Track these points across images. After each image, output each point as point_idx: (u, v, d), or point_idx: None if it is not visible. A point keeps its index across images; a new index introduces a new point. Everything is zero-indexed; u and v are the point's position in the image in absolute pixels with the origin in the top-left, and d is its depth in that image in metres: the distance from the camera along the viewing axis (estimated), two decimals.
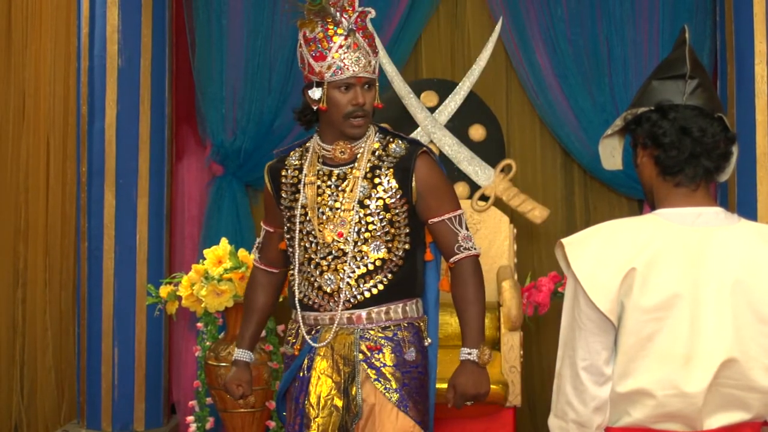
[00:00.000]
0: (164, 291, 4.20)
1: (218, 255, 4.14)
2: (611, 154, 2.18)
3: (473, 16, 5.03)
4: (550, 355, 4.57)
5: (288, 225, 2.92)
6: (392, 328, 2.87)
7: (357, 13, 2.84)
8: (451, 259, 2.90)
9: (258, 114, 4.78)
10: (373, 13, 2.88)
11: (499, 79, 5.01)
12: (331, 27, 2.81)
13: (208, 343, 4.22)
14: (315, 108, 2.85)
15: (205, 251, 4.20)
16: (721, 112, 1.99)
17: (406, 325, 2.89)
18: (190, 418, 4.29)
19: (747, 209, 4.19)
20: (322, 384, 2.84)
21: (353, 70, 2.79)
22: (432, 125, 4.71)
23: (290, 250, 2.92)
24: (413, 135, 4.56)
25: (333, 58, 2.79)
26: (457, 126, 4.76)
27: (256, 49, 4.78)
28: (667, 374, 1.88)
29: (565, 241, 1.98)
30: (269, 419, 4.25)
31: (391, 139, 2.91)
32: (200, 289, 4.05)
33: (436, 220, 2.89)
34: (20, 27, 5.08)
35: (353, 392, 2.82)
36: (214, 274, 4.07)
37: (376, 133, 2.92)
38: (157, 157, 4.54)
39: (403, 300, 2.89)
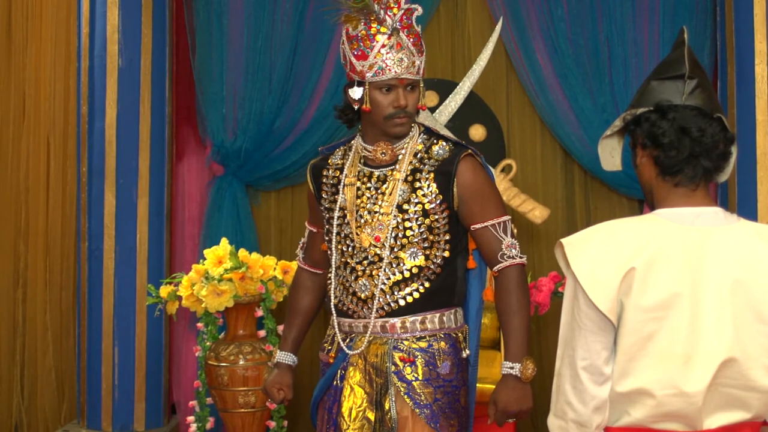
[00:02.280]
0: (164, 291, 4.21)
1: (218, 255, 4.14)
2: (610, 154, 2.19)
3: (473, 16, 5.03)
4: (551, 354, 4.57)
5: (327, 227, 2.84)
6: (428, 338, 2.75)
7: (402, 11, 2.73)
8: (495, 268, 2.78)
9: (258, 114, 4.78)
10: (420, 11, 2.78)
11: (500, 79, 5.01)
12: (374, 25, 2.72)
13: (208, 343, 4.22)
14: (356, 107, 2.76)
15: (206, 251, 4.20)
16: (720, 112, 1.99)
17: (442, 335, 2.76)
18: (191, 418, 4.29)
19: (747, 209, 4.19)
20: (354, 395, 2.73)
21: (395, 72, 2.70)
22: (432, 125, 4.70)
23: (329, 252, 2.84)
24: None
25: (375, 58, 2.70)
26: (458, 126, 4.76)
27: (256, 49, 4.78)
28: (666, 374, 1.88)
29: (564, 241, 1.98)
30: (269, 419, 4.25)
31: (435, 141, 2.80)
32: (200, 289, 4.06)
33: (479, 226, 2.77)
34: (20, 27, 5.08)
35: (387, 405, 2.71)
36: (214, 274, 4.08)
37: (420, 134, 2.82)
38: (158, 157, 4.54)
39: (440, 309, 2.77)
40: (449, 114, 4.76)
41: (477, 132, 4.80)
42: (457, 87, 4.78)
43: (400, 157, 2.78)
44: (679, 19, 4.63)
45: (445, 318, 2.78)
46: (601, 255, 1.93)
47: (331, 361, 2.81)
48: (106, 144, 4.46)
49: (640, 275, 1.88)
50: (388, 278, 2.73)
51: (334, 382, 2.79)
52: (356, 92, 2.73)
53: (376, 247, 2.73)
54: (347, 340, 2.78)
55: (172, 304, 4.21)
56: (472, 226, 2.78)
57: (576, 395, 1.93)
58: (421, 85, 2.78)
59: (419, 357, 2.73)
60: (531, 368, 2.76)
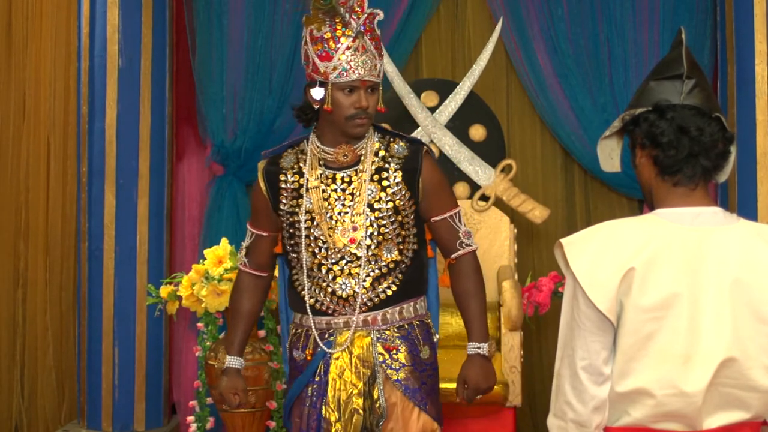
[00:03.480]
0: (164, 291, 4.21)
1: (218, 255, 4.14)
2: (609, 155, 2.19)
3: (474, 16, 5.03)
4: (551, 355, 4.57)
5: (290, 231, 2.87)
6: (406, 327, 2.88)
7: (366, 15, 2.81)
8: (453, 255, 2.93)
9: (258, 114, 4.78)
10: (381, 15, 2.86)
11: (500, 79, 5.01)
12: (339, 27, 2.78)
13: (208, 343, 4.22)
14: (316, 107, 2.82)
15: (206, 251, 4.20)
16: (719, 111, 1.99)
17: (417, 323, 2.90)
18: (191, 418, 4.29)
19: (747, 209, 4.19)
20: (340, 387, 2.83)
21: (359, 73, 2.76)
22: (432, 125, 4.71)
23: (293, 255, 2.88)
24: (413, 135, 4.56)
25: (339, 59, 2.75)
26: (458, 126, 4.76)
27: (256, 49, 4.78)
28: (666, 374, 1.88)
29: (564, 241, 1.98)
30: (269, 419, 4.25)
31: (392, 139, 2.90)
32: (200, 289, 4.06)
33: (438, 218, 2.91)
34: (20, 27, 5.08)
35: (375, 394, 2.82)
36: (214, 274, 4.08)
37: (374, 133, 2.90)
38: (158, 157, 4.55)
39: (413, 299, 2.91)
40: (449, 114, 4.76)
41: (477, 132, 4.79)
42: (457, 87, 4.78)
43: (362, 157, 2.85)
44: (679, 19, 4.63)
45: (418, 306, 2.92)
46: (600, 255, 1.93)
47: (309, 358, 2.87)
48: (106, 144, 4.46)
49: (640, 275, 1.88)
50: (368, 275, 2.82)
51: (317, 378, 2.85)
52: (318, 92, 2.79)
53: (350, 247, 2.80)
54: (326, 336, 2.85)
55: (172, 304, 4.21)
56: (432, 218, 2.92)
57: (575, 395, 1.93)
58: (380, 88, 2.85)
59: (402, 344, 2.86)
60: (493, 347, 2.93)
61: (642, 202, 4.78)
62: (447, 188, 2.97)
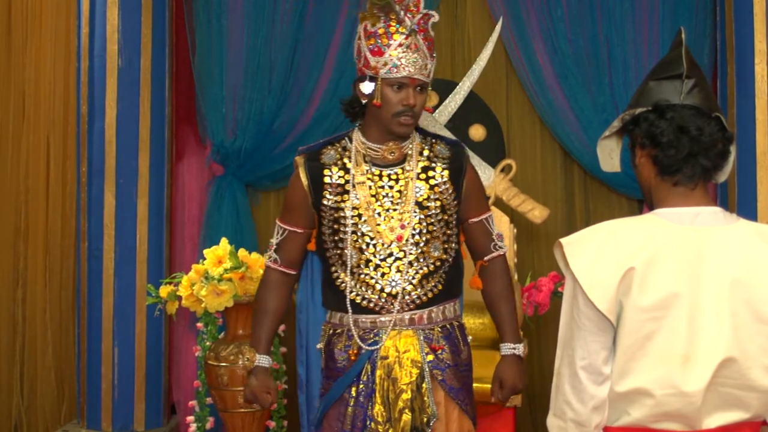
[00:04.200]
0: (164, 291, 4.21)
1: (218, 255, 4.14)
2: (609, 155, 2.19)
3: (473, 16, 5.03)
4: (551, 354, 4.56)
5: (334, 226, 2.85)
6: (448, 327, 2.89)
7: (421, 15, 2.82)
8: (487, 257, 2.97)
9: (258, 114, 4.78)
10: (436, 17, 2.87)
11: (500, 79, 5.01)
12: (393, 24, 2.79)
13: (208, 343, 4.22)
14: (364, 102, 2.84)
15: (205, 251, 4.20)
16: (719, 111, 2.00)
17: (457, 324, 2.92)
18: (190, 418, 4.29)
19: (747, 209, 4.19)
20: (388, 387, 2.81)
21: (409, 71, 2.77)
22: (432, 125, 4.71)
23: (335, 252, 2.86)
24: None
25: (390, 55, 2.77)
26: (458, 126, 4.76)
27: (256, 49, 4.78)
28: (665, 373, 1.88)
29: (563, 240, 1.98)
30: (269, 419, 4.25)
31: (433, 140, 2.93)
32: (200, 289, 4.06)
33: (476, 219, 2.95)
34: (20, 27, 5.08)
35: (425, 394, 2.81)
36: (214, 274, 4.08)
37: (417, 135, 2.92)
38: (157, 157, 4.54)
39: (453, 299, 2.93)
40: (449, 114, 4.76)
41: (477, 132, 4.79)
42: (457, 87, 4.78)
43: (408, 155, 2.86)
44: (678, 19, 4.63)
45: (455, 306, 2.94)
46: (600, 255, 1.93)
47: (353, 359, 2.83)
48: (106, 144, 4.46)
49: (639, 275, 1.88)
50: (417, 272, 2.82)
51: (364, 377, 2.81)
52: (367, 87, 2.81)
53: (400, 243, 2.80)
54: (371, 336, 2.83)
55: (171, 304, 4.21)
56: (470, 220, 2.95)
57: (575, 395, 1.93)
58: (429, 88, 2.86)
59: (446, 345, 2.85)
60: (526, 348, 2.98)
61: (642, 202, 4.78)
62: (484, 191, 3.03)
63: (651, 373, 1.89)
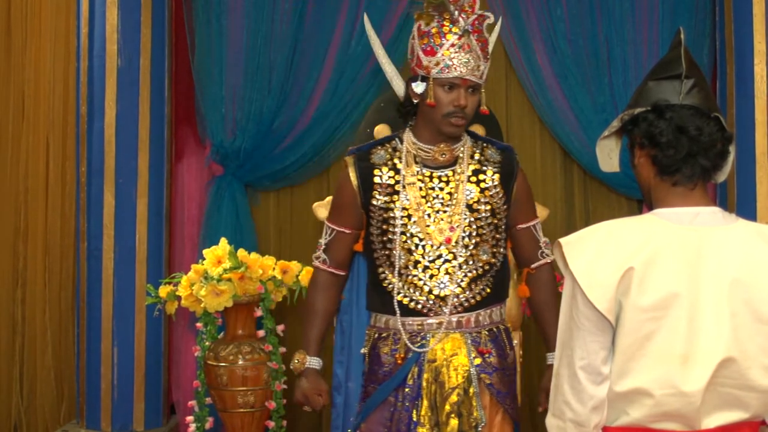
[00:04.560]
0: (164, 291, 4.21)
1: (218, 255, 4.15)
2: (608, 155, 2.19)
3: None
4: None
5: (383, 227, 2.81)
6: (494, 330, 2.86)
7: (475, 16, 2.80)
8: (534, 264, 2.96)
9: (258, 114, 4.78)
10: (491, 18, 2.86)
11: (499, 79, 5.00)
12: (447, 24, 2.77)
13: (207, 343, 4.23)
14: (416, 102, 2.81)
15: (205, 251, 4.21)
16: (718, 111, 2.00)
17: (503, 328, 2.90)
18: (190, 418, 4.30)
19: (746, 209, 4.19)
20: (435, 391, 2.78)
21: (461, 71, 2.75)
22: None
23: (383, 252, 2.82)
24: None
25: (443, 55, 2.75)
26: None
27: (255, 49, 4.77)
28: (665, 373, 1.88)
29: (562, 240, 1.98)
30: (268, 419, 4.25)
31: (484, 144, 2.91)
32: (199, 289, 4.06)
33: (524, 226, 2.94)
34: (20, 27, 5.08)
35: (473, 399, 2.77)
36: (213, 274, 4.08)
37: (468, 138, 2.90)
38: (157, 157, 4.54)
39: (499, 303, 2.90)
40: None
41: (477, 132, 4.78)
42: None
43: (459, 158, 2.84)
44: (678, 19, 4.63)
45: (501, 310, 2.92)
46: (599, 255, 1.93)
47: (400, 362, 2.79)
48: (106, 144, 4.46)
49: (639, 275, 1.88)
50: (466, 275, 2.79)
51: (410, 381, 2.77)
52: (419, 86, 2.78)
53: (449, 245, 2.77)
54: (419, 338, 2.79)
55: (171, 303, 4.21)
56: (518, 226, 2.93)
57: (574, 395, 1.93)
58: (482, 90, 2.83)
59: (493, 349, 2.83)
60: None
61: (641, 202, 4.78)
62: (533, 197, 3.00)
63: (650, 373, 1.89)
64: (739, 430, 1.94)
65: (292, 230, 4.97)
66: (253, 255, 4.24)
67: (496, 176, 2.84)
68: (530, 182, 4.81)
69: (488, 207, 2.81)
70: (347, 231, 2.90)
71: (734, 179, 4.29)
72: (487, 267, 2.81)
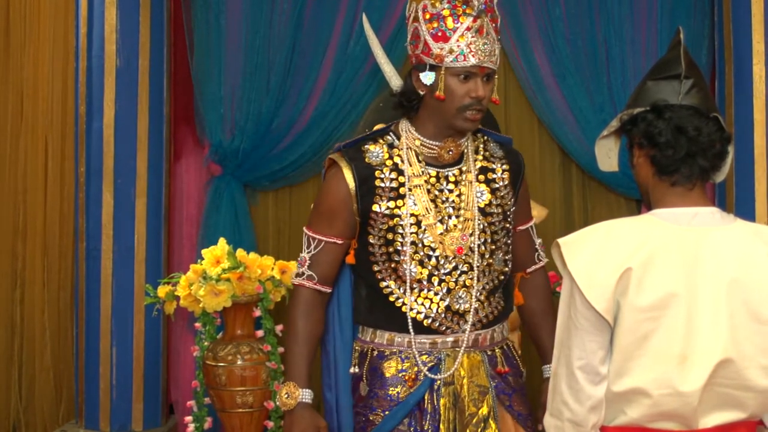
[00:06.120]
0: (162, 291, 4.21)
1: (216, 255, 4.14)
2: (607, 155, 2.19)
3: None
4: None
5: (388, 236, 2.48)
6: (505, 348, 2.60)
7: None
8: (530, 269, 2.71)
9: (256, 114, 4.78)
10: None
11: (498, 79, 5.00)
12: (460, 5, 2.43)
13: (206, 343, 4.22)
14: (422, 93, 2.49)
15: (204, 251, 4.21)
16: (717, 111, 2.00)
17: (510, 344, 2.65)
18: (189, 418, 4.29)
19: (745, 209, 4.19)
20: (455, 418, 2.49)
21: (478, 59, 2.42)
22: None
23: (388, 265, 2.50)
24: None
25: (458, 41, 2.41)
26: None
27: (254, 49, 4.77)
28: (662, 373, 1.88)
29: (561, 241, 1.98)
30: (267, 419, 4.25)
31: (485, 137, 2.63)
32: (198, 289, 4.06)
33: (523, 227, 2.69)
34: (18, 27, 5.08)
35: (491, 422, 2.51)
36: (212, 274, 4.08)
37: None
38: (156, 157, 4.54)
39: (507, 317, 2.65)
40: None
41: None
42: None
43: (464, 154, 2.55)
44: (676, 19, 4.63)
45: (507, 324, 2.67)
46: (597, 255, 1.93)
47: (411, 385, 2.49)
48: (104, 144, 4.46)
49: (637, 275, 1.88)
50: (483, 288, 2.51)
51: (427, 406, 2.48)
52: (428, 77, 2.44)
53: (462, 255, 2.49)
54: (431, 359, 2.50)
55: (170, 303, 4.21)
56: (518, 227, 2.67)
57: (572, 395, 1.93)
58: (496, 76, 2.53)
59: (509, 368, 2.59)
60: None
61: (640, 202, 4.78)
62: (529, 196, 2.74)
63: (648, 373, 1.89)
64: (737, 429, 1.94)
65: (291, 230, 4.97)
66: (252, 255, 4.23)
67: (506, 174, 2.57)
68: (529, 182, 4.88)
69: (500, 210, 2.54)
70: (338, 241, 2.55)
71: (733, 179, 4.29)
72: (501, 277, 2.55)
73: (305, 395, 2.52)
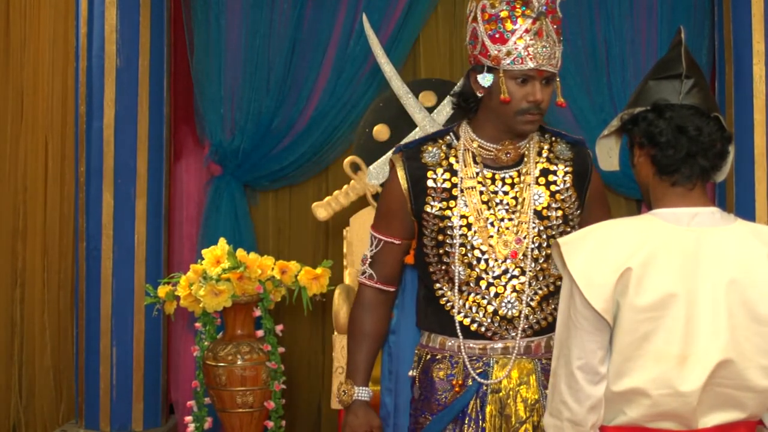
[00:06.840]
0: (162, 291, 4.21)
1: (216, 255, 4.14)
2: (608, 154, 2.19)
3: None
4: None
5: (439, 237, 2.45)
6: None
7: None
8: None
9: (256, 114, 4.78)
10: None
11: None
12: (519, 6, 2.40)
13: (206, 343, 4.22)
14: (480, 95, 2.45)
15: (204, 251, 4.21)
16: (717, 111, 2.00)
17: None
18: (189, 418, 4.29)
19: (745, 209, 4.20)
20: (501, 426, 2.43)
21: (537, 62, 2.39)
22: (430, 125, 4.71)
23: (440, 266, 2.47)
24: (411, 135, 4.56)
25: (516, 44, 2.37)
26: None
27: (254, 49, 4.78)
28: (662, 374, 1.88)
29: (561, 240, 1.99)
30: (267, 419, 4.25)
31: (553, 138, 2.56)
32: (198, 289, 4.06)
33: None
34: (18, 27, 5.08)
35: None
36: (212, 274, 4.08)
37: (535, 132, 2.53)
38: (156, 157, 4.54)
39: None
40: (447, 114, 4.75)
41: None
42: (456, 87, 4.77)
43: (524, 156, 2.49)
44: (677, 18, 4.63)
45: None
46: (597, 255, 1.93)
47: (458, 390, 2.45)
48: (104, 144, 4.46)
49: (636, 275, 1.88)
50: (536, 293, 2.44)
51: (472, 414, 2.43)
52: (486, 79, 2.40)
53: (516, 260, 2.42)
54: (479, 365, 2.45)
55: (170, 303, 4.21)
56: None
57: (571, 394, 1.93)
58: (558, 79, 2.50)
59: None
60: None
61: (640, 202, 4.78)
62: (607, 201, 2.63)
63: (647, 373, 1.89)
64: (736, 430, 1.94)
65: (291, 230, 4.97)
66: (252, 255, 4.23)
67: (568, 177, 2.48)
68: None
69: (560, 213, 2.45)
70: (396, 241, 2.54)
71: (733, 179, 4.29)
72: (558, 283, 2.42)
73: (362, 393, 2.54)
